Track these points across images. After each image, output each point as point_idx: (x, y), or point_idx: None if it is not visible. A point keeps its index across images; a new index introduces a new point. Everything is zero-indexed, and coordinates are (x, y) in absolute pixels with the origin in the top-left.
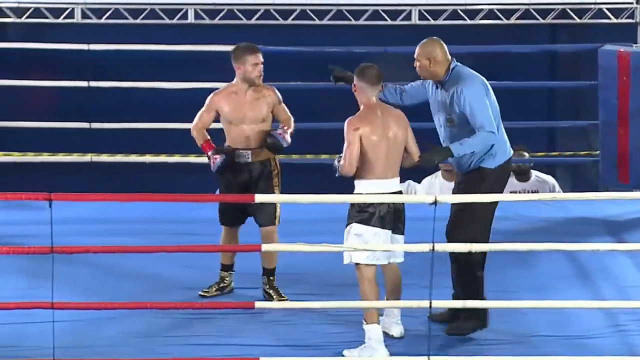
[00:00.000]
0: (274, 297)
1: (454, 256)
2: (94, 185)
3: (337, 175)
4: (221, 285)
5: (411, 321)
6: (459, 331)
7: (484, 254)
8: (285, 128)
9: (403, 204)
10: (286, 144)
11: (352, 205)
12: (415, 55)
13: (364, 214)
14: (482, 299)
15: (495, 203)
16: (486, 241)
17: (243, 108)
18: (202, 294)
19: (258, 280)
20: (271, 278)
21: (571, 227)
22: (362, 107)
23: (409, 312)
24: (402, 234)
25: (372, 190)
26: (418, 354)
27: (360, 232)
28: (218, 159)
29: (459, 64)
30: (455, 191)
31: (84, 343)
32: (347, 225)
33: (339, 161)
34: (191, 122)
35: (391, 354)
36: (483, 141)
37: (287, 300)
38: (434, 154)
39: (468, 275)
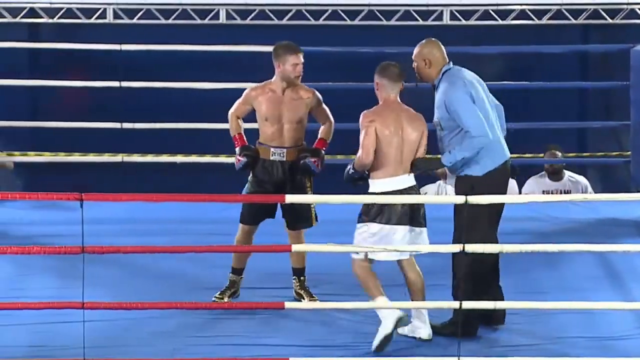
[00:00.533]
0: (305, 297)
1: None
2: (124, 186)
3: (350, 176)
4: (233, 290)
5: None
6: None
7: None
8: (320, 159)
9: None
10: (317, 172)
11: (366, 203)
12: (412, 57)
13: (378, 211)
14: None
15: (496, 210)
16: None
17: (280, 107)
18: (216, 299)
19: (283, 280)
20: (302, 278)
21: (602, 228)
22: (380, 103)
23: (438, 313)
24: (423, 226)
25: (388, 187)
26: (448, 355)
27: (375, 231)
28: (242, 160)
29: (454, 66)
30: None
31: (114, 343)
32: (360, 223)
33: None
34: (222, 122)
35: (421, 356)
36: (471, 145)
37: (317, 300)
38: (425, 164)
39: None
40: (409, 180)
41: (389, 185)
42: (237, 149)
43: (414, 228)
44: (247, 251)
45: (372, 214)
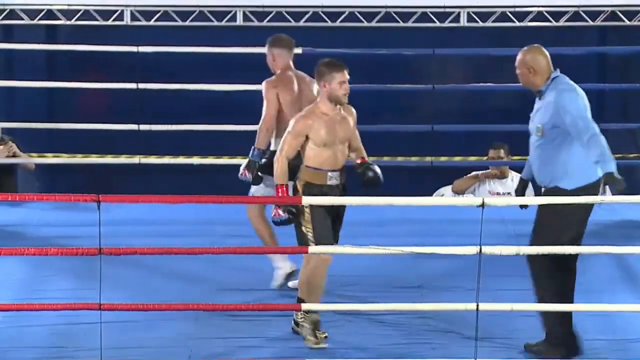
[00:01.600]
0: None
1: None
2: (141, 187)
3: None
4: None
5: (457, 325)
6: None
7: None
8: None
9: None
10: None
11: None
12: (515, 63)
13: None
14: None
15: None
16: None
17: (335, 128)
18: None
19: None
20: None
21: (620, 230)
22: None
23: (456, 317)
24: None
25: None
26: (464, 357)
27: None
28: (283, 216)
29: (561, 74)
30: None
31: (131, 344)
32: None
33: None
34: (240, 124)
35: (437, 357)
36: (598, 145)
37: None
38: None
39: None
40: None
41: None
42: (279, 204)
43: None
44: (261, 253)
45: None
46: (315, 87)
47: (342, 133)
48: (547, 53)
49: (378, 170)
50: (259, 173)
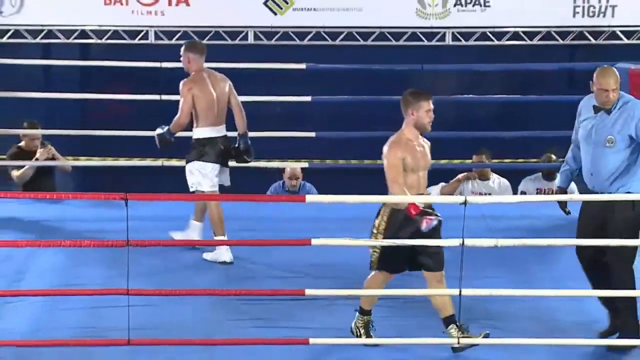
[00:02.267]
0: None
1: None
2: (164, 186)
3: (164, 138)
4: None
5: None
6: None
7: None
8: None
9: (230, 144)
10: None
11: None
12: (607, 87)
13: (201, 153)
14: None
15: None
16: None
17: (418, 155)
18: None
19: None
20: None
21: None
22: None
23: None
24: (227, 167)
25: (208, 134)
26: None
27: (200, 168)
28: (433, 220)
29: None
30: (592, 214)
31: (154, 325)
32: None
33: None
34: (250, 130)
35: (427, 336)
36: None
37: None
38: None
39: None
40: (223, 130)
41: (209, 133)
42: (416, 216)
43: (224, 168)
44: (269, 245)
45: (197, 154)
46: (228, 84)
47: (423, 160)
48: None
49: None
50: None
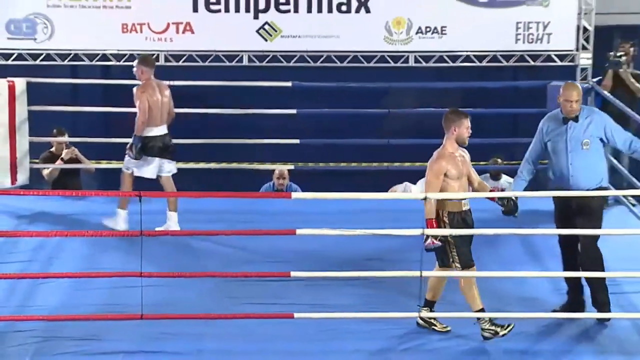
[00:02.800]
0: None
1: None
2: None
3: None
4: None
5: (407, 287)
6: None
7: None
8: None
9: (170, 140)
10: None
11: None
12: (571, 98)
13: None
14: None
15: None
16: None
17: (460, 164)
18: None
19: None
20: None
21: (528, 217)
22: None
23: (406, 281)
24: (172, 160)
25: (155, 133)
26: (412, 310)
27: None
28: (437, 243)
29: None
30: (568, 205)
31: (164, 302)
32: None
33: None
34: (247, 138)
35: (392, 311)
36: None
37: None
38: None
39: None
40: (165, 129)
41: (153, 132)
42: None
43: (164, 160)
44: (259, 234)
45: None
46: (167, 92)
47: (465, 168)
48: None
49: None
50: (138, 154)
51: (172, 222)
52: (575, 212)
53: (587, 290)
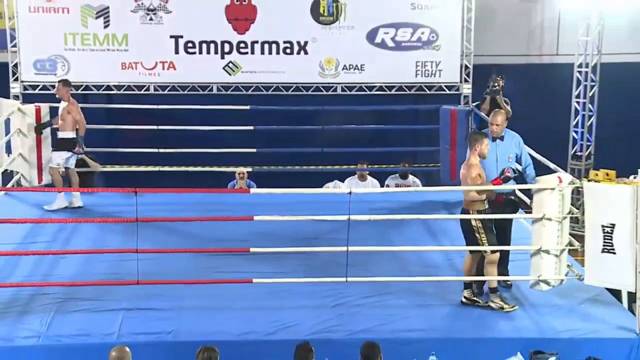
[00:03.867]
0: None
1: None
2: (160, 183)
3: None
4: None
5: (336, 259)
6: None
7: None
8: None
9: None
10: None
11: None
12: (496, 122)
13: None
14: None
15: None
16: None
17: (481, 172)
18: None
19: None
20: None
21: (426, 205)
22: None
23: (336, 254)
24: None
25: (71, 135)
26: (339, 276)
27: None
28: (509, 174)
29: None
30: (491, 212)
31: (154, 272)
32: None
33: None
34: (216, 147)
35: (324, 276)
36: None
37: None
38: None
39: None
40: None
41: (71, 135)
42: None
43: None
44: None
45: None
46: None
47: (484, 175)
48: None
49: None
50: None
51: (60, 201)
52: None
53: None
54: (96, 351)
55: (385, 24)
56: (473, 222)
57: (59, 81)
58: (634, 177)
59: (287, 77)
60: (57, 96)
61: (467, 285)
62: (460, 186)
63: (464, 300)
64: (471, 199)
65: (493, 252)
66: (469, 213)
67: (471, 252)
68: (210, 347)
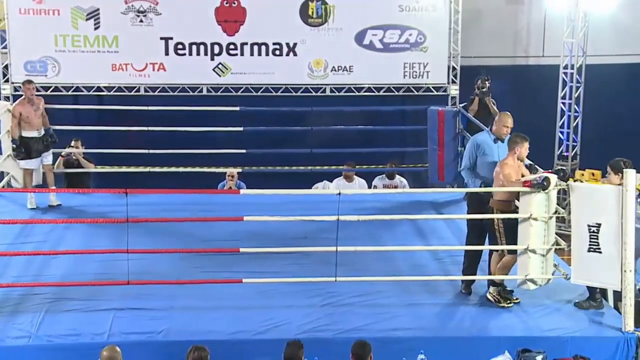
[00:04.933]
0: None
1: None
2: (149, 184)
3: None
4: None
5: (326, 258)
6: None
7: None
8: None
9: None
10: None
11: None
12: (508, 124)
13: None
14: None
15: None
16: None
17: (514, 173)
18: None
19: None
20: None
21: (414, 206)
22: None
23: (325, 254)
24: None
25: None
26: (329, 276)
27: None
28: (539, 179)
29: None
30: (479, 199)
31: (144, 272)
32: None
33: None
34: (203, 148)
35: (315, 276)
36: None
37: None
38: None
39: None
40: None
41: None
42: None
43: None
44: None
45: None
46: (42, 105)
47: (518, 176)
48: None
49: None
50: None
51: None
52: (481, 202)
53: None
54: (87, 351)
55: (373, 25)
56: (495, 222)
57: (30, 82)
58: (607, 176)
59: (277, 78)
60: (32, 96)
61: (494, 283)
62: (464, 187)
63: (489, 297)
64: (499, 199)
65: (510, 253)
66: (493, 212)
67: (496, 250)
68: (201, 347)
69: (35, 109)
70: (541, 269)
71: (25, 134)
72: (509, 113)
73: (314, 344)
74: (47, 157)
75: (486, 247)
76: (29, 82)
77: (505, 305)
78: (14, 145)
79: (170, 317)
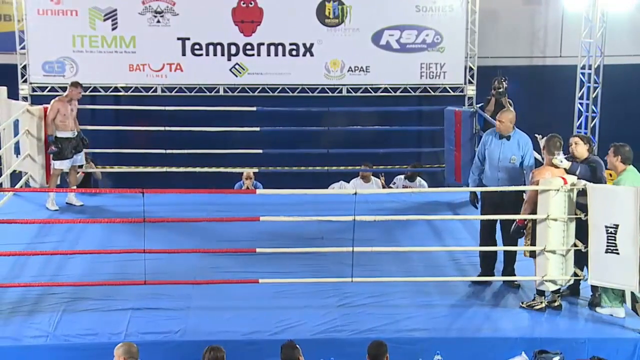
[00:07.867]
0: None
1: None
2: (167, 184)
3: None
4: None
5: (342, 259)
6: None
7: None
8: None
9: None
10: None
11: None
12: (502, 119)
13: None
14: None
15: None
16: None
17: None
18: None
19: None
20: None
21: (431, 206)
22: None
23: (342, 255)
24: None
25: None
26: (346, 276)
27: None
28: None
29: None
30: (493, 200)
31: (161, 272)
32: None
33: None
34: (221, 148)
35: (332, 277)
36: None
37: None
38: None
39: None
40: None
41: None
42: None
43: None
44: (232, 220)
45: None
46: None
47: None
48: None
49: None
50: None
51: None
52: (496, 202)
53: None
54: (104, 351)
55: (390, 26)
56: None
57: (79, 84)
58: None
59: (293, 79)
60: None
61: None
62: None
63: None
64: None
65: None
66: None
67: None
68: (217, 347)
69: (72, 109)
70: (561, 270)
71: (59, 134)
72: (508, 109)
73: (329, 344)
74: (79, 158)
75: (502, 248)
76: (79, 84)
77: (541, 307)
78: (52, 141)
79: (187, 317)
